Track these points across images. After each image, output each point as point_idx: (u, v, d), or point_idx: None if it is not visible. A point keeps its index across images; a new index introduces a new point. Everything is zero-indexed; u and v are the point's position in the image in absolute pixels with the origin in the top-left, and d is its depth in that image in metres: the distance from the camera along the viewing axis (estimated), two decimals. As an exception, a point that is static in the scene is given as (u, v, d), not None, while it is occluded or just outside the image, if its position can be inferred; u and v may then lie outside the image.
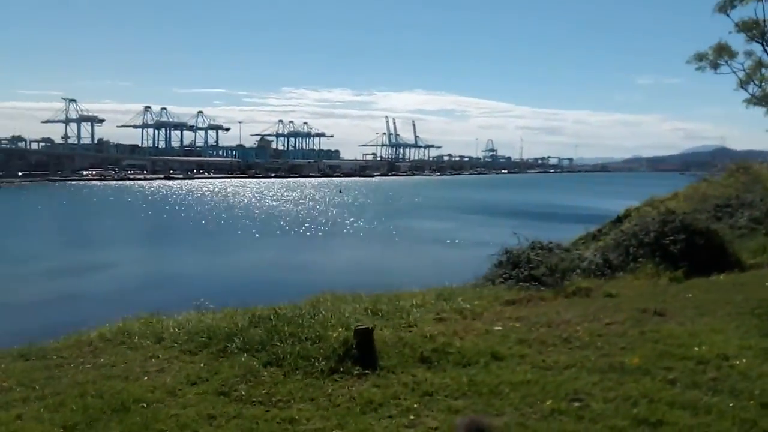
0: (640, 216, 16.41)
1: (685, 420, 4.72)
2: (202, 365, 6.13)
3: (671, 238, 14.78)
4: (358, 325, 5.88)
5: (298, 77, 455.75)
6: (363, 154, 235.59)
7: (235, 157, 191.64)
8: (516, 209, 75.23)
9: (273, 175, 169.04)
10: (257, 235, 53.75)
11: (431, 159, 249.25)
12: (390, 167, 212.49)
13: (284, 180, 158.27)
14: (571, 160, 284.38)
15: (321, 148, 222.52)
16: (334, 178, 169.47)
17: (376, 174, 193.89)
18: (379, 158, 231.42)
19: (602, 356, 6.28)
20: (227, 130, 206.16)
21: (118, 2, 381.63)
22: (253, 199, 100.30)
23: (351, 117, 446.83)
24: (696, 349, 6.33)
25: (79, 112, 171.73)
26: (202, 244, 48.13)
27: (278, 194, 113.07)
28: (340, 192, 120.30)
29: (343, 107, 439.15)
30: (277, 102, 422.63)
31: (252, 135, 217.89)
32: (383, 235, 56.48)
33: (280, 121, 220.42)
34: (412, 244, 50.47)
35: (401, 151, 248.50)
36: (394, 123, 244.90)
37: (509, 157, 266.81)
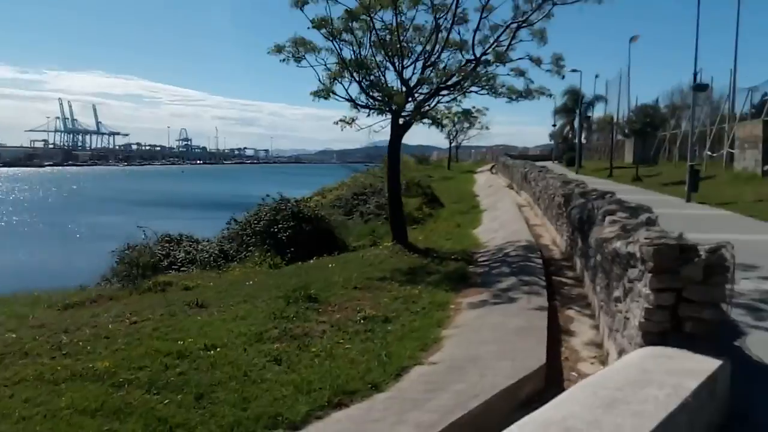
0: (259, 206, 16.66)
1: (92, 427, 4.33)
2: None
3: (281, 225, 15.34)
4: None
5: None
6: (31, 141, 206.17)
7: None
8: (203, 200, 73.22)
9: None
10: None
11: (118, 147, 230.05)
12: (66, 156, 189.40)
13: None
14: (267, 151, 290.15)
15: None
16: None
17: (47, 164, 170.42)
18: (52, 146, 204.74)
19: (80, 362, 5.68)
20: None
21: None
22: None
23: (15, 98, 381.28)
24: (181, 342, 6.16)
25: None
26: None
27: None
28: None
29: (3, 86, 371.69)
30: None
31: None
32: (44, 233, 49.58)
33: None
34: (76, 242, 45.23)
35: (80, 138, 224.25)
36: (71, 106, 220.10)
37: (204, 147, 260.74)
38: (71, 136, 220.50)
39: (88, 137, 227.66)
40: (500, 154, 56.88)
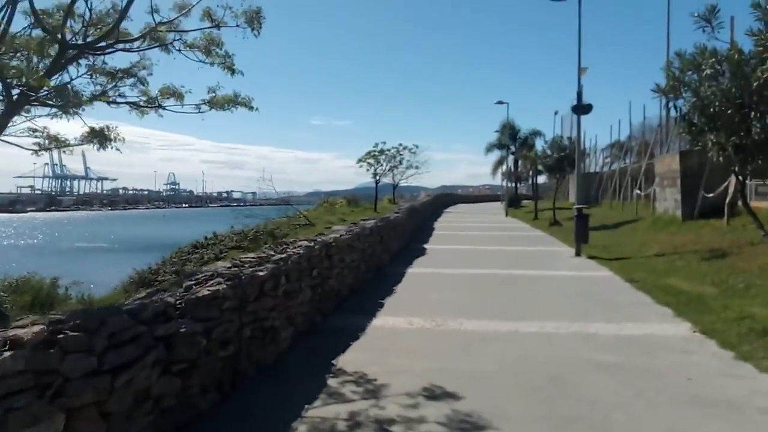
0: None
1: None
2: None
3: None
4: None
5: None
6: (18, 187, 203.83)
7: None
8: (143, 243, 68.54)
9: None
10: None
11: (105, 192, 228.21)
12: (50, 201, 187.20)
13: None
14: (254, 193, 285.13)
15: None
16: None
17: (30, 209, 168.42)
18: (39, 191, 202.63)
19: None
20: None
21: None
22: None
23: (2, 144, 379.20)
24: None
25: None
26: None
27: None
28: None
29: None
30: None
31: None
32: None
33: None
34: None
35: (68, 183, 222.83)
36: (60, 153, 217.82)
37: (192, 191, 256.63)
38: (59, 181, 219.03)
39: (75, 182, 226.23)
40: (435, 195, 52.61)
